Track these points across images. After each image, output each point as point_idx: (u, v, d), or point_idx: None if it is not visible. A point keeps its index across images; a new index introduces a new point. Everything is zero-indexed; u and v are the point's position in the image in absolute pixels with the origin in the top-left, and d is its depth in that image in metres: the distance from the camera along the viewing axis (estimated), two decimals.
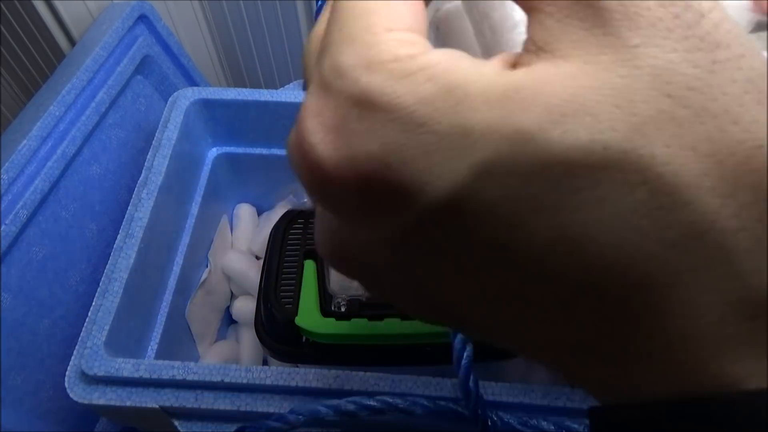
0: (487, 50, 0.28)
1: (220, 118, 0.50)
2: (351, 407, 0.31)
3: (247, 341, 0.49)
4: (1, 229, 0.39)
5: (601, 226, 0.12)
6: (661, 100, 0.11)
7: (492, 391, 0.33)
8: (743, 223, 0.11)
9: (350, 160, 0.13)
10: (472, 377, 0.30)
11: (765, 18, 0.29)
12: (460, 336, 0.30)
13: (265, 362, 0.48)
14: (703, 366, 0.12)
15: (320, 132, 0.13)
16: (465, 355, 0.30)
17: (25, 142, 0.41)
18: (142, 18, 0.52)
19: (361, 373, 0.34)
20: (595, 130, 0.11)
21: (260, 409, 0.33)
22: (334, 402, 0.31)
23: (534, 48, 0.13)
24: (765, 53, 0.12)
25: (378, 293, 0.17)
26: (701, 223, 0.11)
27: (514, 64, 0.13)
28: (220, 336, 0.51)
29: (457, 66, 0.13)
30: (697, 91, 0.11)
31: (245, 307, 0.50)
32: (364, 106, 0.13)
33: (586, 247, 0.12)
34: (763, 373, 0.12)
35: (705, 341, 0.12)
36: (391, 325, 0.35)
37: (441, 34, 0.33)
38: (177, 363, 0.34)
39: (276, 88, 0.56)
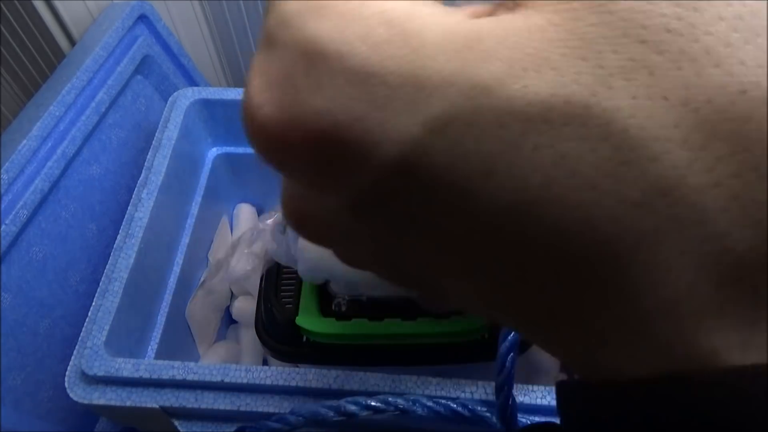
0: None
1: (220, 118, 0.50)
2: (352, 408, 0.31)
3: (247, 341, 0.49)
4: (1, 229, 0.39)
5: (560, 187, 0.11)
6: (633, 47, 0.10)
7: (491, 390, 0.32)
8: (717, 178, 0.10)
9: (297, 119, 0.12)
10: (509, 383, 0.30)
11: None
12: (505, 344, 0.30)
13: (265, 362, 0.48)
14: (676, 339, 0.11)
15: (266, 91, 0.12)
16: (508, 359, 0.29)
17: (25, 142, 0.41)
18: (142, 18, 0.52)
19: (361, 373, 0.34)
20: (558, 84, 0.10)
21: (260, 409, 0.34)
22: (335, 403, 0.31)
23: (511, 2, 0.12)
24: None
25: (344, 260, 0.16)
26: (669, 178, 0.10)
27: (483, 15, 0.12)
28: (220, 336, 0.51)
29: (416, 12, 0.12)
30: (675, 33, 0.10)
31: (245, 307, 0.50)
32: (312, 56, 0.12)
33: (545, 210, 0.11)
34: (745, 344, 0.10)
35: (676, 311, 0.11)
36: (391, 325, 0.35)
37: None
38: (177, 363, 0.34)
39: None
